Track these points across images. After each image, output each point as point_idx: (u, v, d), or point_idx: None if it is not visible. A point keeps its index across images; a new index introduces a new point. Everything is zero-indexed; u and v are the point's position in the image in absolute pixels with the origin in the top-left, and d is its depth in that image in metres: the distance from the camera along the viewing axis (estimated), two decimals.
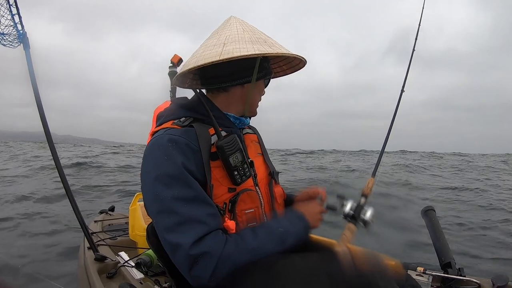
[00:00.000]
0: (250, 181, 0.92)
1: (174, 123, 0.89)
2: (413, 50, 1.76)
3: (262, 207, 0.95)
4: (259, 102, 1.03)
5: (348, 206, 1.09)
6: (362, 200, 1.14)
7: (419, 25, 1.75)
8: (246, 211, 0.89)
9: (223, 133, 0.89)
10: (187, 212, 0.76)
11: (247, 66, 0.92)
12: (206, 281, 0.73)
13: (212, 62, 0.81)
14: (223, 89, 0.95)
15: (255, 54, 0.83)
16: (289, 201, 1.20)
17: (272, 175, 1.04)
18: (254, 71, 0.93)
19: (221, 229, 0.79)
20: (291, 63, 1.09)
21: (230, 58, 0.81)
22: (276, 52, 0.87)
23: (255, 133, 1.10)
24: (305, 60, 1.00)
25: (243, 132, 1.03)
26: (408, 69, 1.71)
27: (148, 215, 0.84)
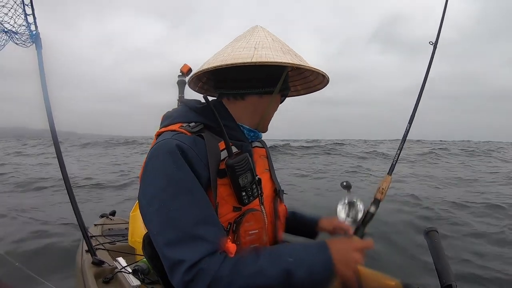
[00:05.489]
0: (256, 201, 0.87)
1: (183, 126, 0.83)
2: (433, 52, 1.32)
3: (265, 227, 0.90)
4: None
5: (360, 215, 0.93)
6: (373, 208, 0.95)
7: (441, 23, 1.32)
8: (250, 232, 0.84)
9: (234, 149, 0.84)
10: (194, 229, 0.70)
11: (271, 76, 0.88)
12: None
13: (244, 63, 0.78)
14: (240, 96, 0.89)
15: (289, 63, 0.80)
16: (303, 221, 1.14)
17: (278, 192, 0.99)
18: (280, 81, 0.88)
19: (222, 249, 0.73)
20: (308, 84, 1.05)
21: (262, 63, 0.78)
22: (308, 66, 0.83)
23: (263, 147, 1.04)
24: (327, 79, 0.96)
25: (252, 146, 0.97)
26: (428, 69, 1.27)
27: (145, 223, 0.78)
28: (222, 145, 0.82)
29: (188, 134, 0.80)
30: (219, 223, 0.76)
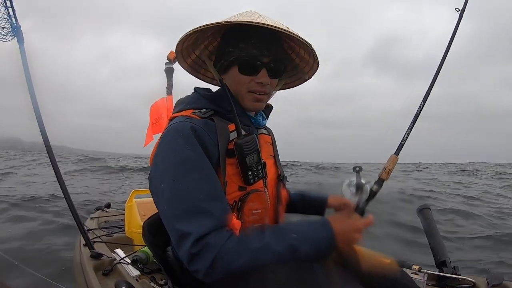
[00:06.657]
0: (260, 182, 0.90)
1: (194, 112, 0.87)
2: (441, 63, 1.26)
3: (268, 209, 0.93)
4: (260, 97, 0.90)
5: (365, 196, 0.93)
6: (375, 187, 0.95)
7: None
8: (253, 211, 0.88)
9: (243, 132, 0.87)
10: (203, 204, 0.74)
11: (231, 47, 0.87)
12: (202, 274, 0.71)
13: (217, 23, 0.80)
14: (219, 73, 0.93)
15: (213, 24, 0.80)
16: (311, 200, 1.17)
17: (281, 178, 1.03)
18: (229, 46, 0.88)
19: (228, 226, 0.76)
20: (296, 75, 1.07)
21: (230, 22, 0.80)
22: (274, 26, 0.79)
23: (269, 135, 1.08)
24: (317, 63, 0.96)
25: (258, 132, 1.00)
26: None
27: (156, 202, 0.81)
28: (231, 127, 0.87)
29: (199, 118, 0.85)
30: (226, 200, 0.80)
